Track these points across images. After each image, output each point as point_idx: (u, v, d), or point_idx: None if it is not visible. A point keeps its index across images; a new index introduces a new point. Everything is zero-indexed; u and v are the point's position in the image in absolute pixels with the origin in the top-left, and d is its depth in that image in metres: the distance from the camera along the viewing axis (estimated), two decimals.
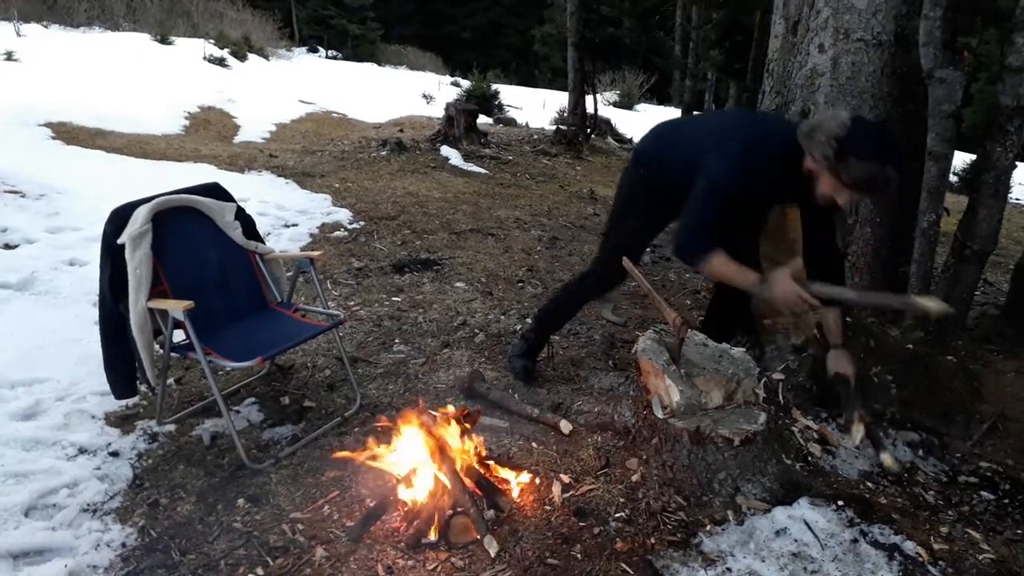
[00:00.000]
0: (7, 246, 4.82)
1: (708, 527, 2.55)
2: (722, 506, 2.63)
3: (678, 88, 22.97)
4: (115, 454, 2.96)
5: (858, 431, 2.81)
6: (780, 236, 3.08)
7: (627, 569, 2.35)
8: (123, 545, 2.47)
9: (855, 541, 2.49)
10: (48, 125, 8.74)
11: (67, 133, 8.65)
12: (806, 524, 2.54)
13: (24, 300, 4.18)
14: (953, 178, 11.36)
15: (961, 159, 11.93)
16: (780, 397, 3.20)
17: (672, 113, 18.79)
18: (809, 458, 2.95)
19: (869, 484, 2.86)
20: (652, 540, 2.49)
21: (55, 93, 9.95)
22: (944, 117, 3.30)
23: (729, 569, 2.36)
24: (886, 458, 2.82)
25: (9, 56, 11.59)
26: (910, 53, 3.43)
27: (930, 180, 3.36)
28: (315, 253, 3.51)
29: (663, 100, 28.23)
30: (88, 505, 2.64)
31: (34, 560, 2.33)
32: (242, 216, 3.43)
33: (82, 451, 2.95)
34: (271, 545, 2.49)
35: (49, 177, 6.22)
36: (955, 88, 3.29)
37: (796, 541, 2.48)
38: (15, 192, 5.73)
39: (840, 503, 2.65)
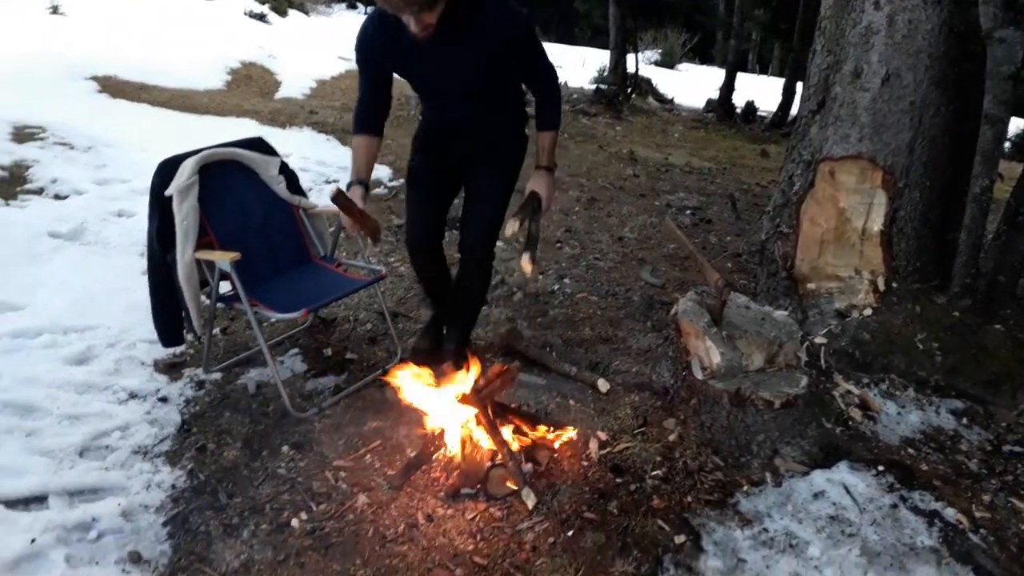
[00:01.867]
0: (57, 196, 4.92)
1: (745, 488, 2.55)
2: (760, 468, 2.64)
3: (721, 48, 22.44)
4: (164, 400, 3.05)
5: (514, 225, 2.65)
6: None
7: (663, 526, 2.38)
8: (173, 487, 2.56)
9: (894, 506, 2.48)
10: (95, 79, 8.84)
11: (113, 87, 8.75)
12: (845, 488, 2.53)
13: (75, 249, 4.28)
14: (1008, 144, 11.00)
15: (1016, 125, 11.53)
16: (822, 361, 3.17)
17: (715, 73, 18.38)
18: (850, 423, 2.93)
19: (911, 451, 2.84)
20: (689, 499, 2.50)
21: (100, 47, 10.03)
22: (1002, 79, 3.18)
23: (766, 529, 2.37)
24: (524, 260, 2.64)
25: (55, 10, 11.68)
26: (969, 11, 3.30)
27: (985, 144, 3.25)
28: None
29: (706, 60, 27.61)
30: (139, 448, 2.73)
31: (89, 498, 2.42)
32: (286, 171, 3.46)
33: (132, 396, 3.04)
34: (315, 491, 2.55)
35: (96, 130, 6.32)
36: (1015, 49, 3.16)
37: (834, 504, 2.47)
38: (64, 144, 5.84)
39: (880, 468, 2.64)
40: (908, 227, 3.41)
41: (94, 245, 4.39)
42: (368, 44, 2.70)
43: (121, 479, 2.53)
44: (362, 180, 2.77)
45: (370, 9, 2.79)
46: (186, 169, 3.02)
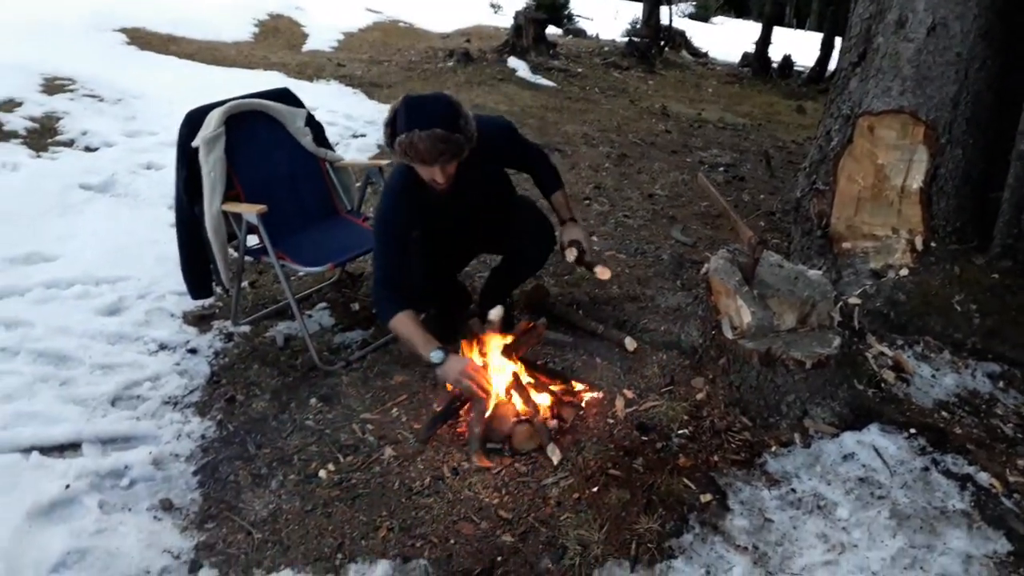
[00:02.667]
0: (88, 148, 4.95)
1: (773, 448, 2.53)
2: (789, 428, 2.60)
3: (758, 1, 21.80)
4: (193, 351, 3.08)
5: (571, 254, 2.85)
6: None
7: (689, 484, 2.36)
8: (202, 437, 2.60)
9: (926, 469, 2.44)
10: (123, 30, 8.84)
11: (141, 38, 8.75)
12: (875, 450, 2.50)
13: (106, 201, 4.31)
14: None
15: None
16: (855, 322, 3.10)
17: (751, 27, 17.90)
18: (882, 385, 2.87)
19: (944, 414, 2.78)
20: (715, 458, 2.49)
21: None
22: None
23: (793, 490, 2.35)
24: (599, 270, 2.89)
25: None
26: None
27: None
28: (383, 162, 3.50)
29: (742, 13, 26.89)
30: (169, 398, 2.77)
31: (121, 446, 2.47)
32: (312, 123, 3.42)
33: (162, 347, 3.08)
34: (342, 443, 2.58)
35: (125, 82, 6.33)
36: None
37: (864, 466, 2.44)
38: (94, 96, 5.86)
39: (912, 431, 2.59)
40: (949, 185, 3.30)
41: (124, 197, 4.42)
42: (388, 221, 2.63)
43: (152, 428, 2.57)
44: (443, 348, 2.55)
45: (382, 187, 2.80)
46: (213, 120, 3.00)
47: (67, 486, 2.18)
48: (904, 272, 3.23)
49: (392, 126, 2.39)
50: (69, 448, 2.41)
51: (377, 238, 2.67)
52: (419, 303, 2.73)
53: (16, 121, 4.99)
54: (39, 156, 4.63)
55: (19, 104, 5.28)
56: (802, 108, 9.80)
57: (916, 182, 3.23)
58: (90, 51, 7.45)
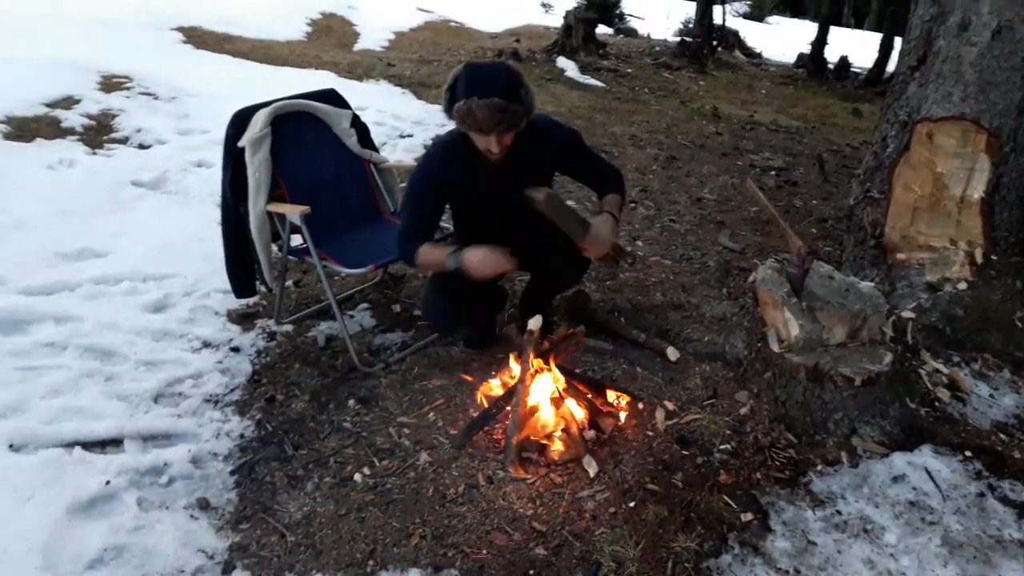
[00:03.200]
0: (141, 146, 5.06)
1: (819, 467, 2.44)
2: (836, 447, 2.51)
3: (814, 0, 21.32)
4: (236, 349, 3.11)
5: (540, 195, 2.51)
6: None
7: (729, 502, 2.30)
8: (241, 436, 2.62)
9: (981, 495, 2.33)
10: (180, 29, 9.04)
11: (197, 37, 8.93)
12: (927, 473, 2.40)
13: (156, 198, 4.40)
14: None
15: None
16: (909, 337, 2.99)
17: (807, 27, 17.50)
18: (936, 403, 2.76)
19: (1002, 436, 2.66)
20: (758, 475, 2.41)
21: None
22: None
23: (839, 512, 2.26)
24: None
25: None
26: None
27: None
28: None
29: (798, 12, 26.34)
30: (210, 396, 2.80)
31: (161, 443, 2.50)
32: (357, 124, 3.43)
33: (206, 345, 3.12)
34: (378, 447, 2.57)
35: (180, 80, 6.46)
36: None
37: (915, 490, 2.34)
38: (149, 94, 5.98)
39: (967, 454, 2.48)
40: (1012, 195, 3.15)
41: (174, 194, 4.50)
42: (433, 173, 2.67)
43: (192, 426, 2.60)
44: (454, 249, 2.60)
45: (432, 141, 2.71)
46: (259, 120, 3.02)
47: (107, 482, 2.21)
48: (962, 285, 3.10)
49: (452, 91, 2.40)
50: (111, 444, 2.45)
51: (412, 187, 2.69)
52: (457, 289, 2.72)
53: (74, 118, 5.12)
54: (94, 153, 4.75)
55: (77, 101, 5.42)
56: (858, 111, 9.55)
57: (977, 192, 3.10)
58: (147, 49, 7.63)
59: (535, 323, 2.50)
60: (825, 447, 2.51)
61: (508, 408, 2.53)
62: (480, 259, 2.52)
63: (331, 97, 3.40)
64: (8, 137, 4.60)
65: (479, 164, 2.57)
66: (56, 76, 5.77)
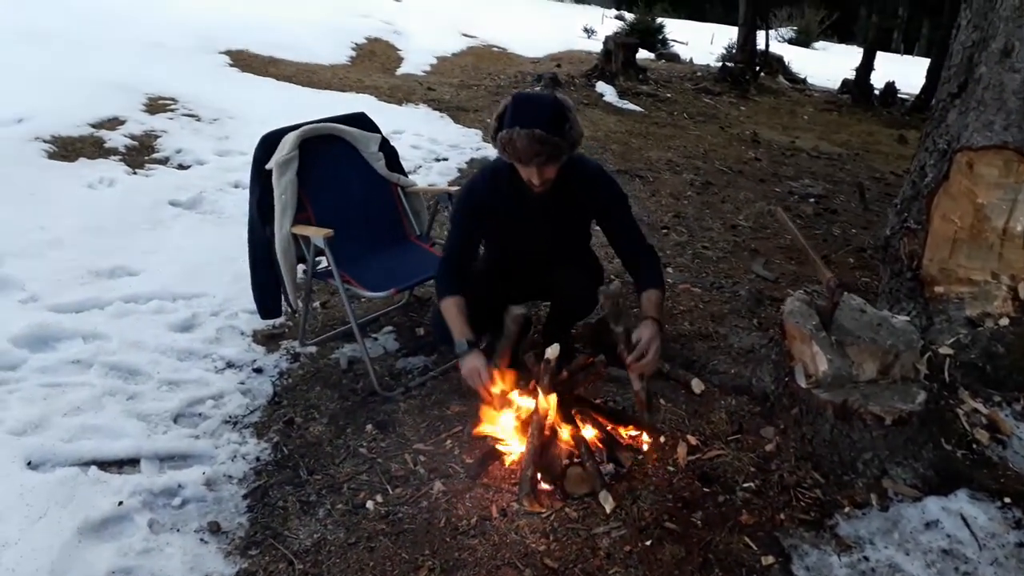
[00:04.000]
0: (180, 166, 5.16)
1: (847, 509, 2.34)
2: (865, 488, 2.41)
3: (863, 25, 21.03)
4: (259, 370, 3.12)
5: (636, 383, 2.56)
6: None
7: (750, 544, 2.21)
8: (257, 459, 2.61)
9: (1021, 545, 2.20)
10: (227, 52, 9.24)
11: (243, 61, 9.12)
12: (963, 519, 2.28)
13: (191, 218, 4.47)
14: None
15: None
16: (946, 374, 2.86)
17: (855, 53, 17.25)
18: (974, 446, 2.63)
19: None
20: (782, 516, 2.32)
21: (236, 22, 10.47)
22: None
23: (866, 558, 2.16)
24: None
25: None
26: None
27: None
28: (452, 188, 3.48)
29: (845, 38, 26.01)
30: (230, 417, 2.80)
31: (177, 464, 2.50)
32: (386, 147, 3.44)
33: (230, 365, 3.13)
34: (392, 474, 2.54)
35: (223, 102, 6.60)
36: None
37: (949, 537, 2.23)
38: (192, 116, 6.12)
39: (1007, 500, 2.35)
40: None
41: (209, 214, 4.57)
42: (476, 199, 2.72)
43: (209, 448, 2.59)
44: (472, 341, 2.59)
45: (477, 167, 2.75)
46: (287, 144, 3.05)
47: (120, 503, 2.21)
48: (1004, 322, 2.96)
49: (499, 121, 2.43)
50: (128, 464, 2.45)
51: (455, 210, 2.78)
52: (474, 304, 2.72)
53: (117, 138, 5.25)
54: (135, 173, 4.85)
55: (122, 122, 5.56)
56: (904, 138, 9.34)
57: (1020, 224, 2.97)
58: (194, 72, 7.81)
59: (552, 352, 2.45)
60: (854, 488, 2.41)
61: (524, 439, 2.48)
62: (470, 369, 2.54)
63: (360, 120, 3.43)
64: (52, 156, 4.72)
65: (522, 193, 2.59)
66: (104, 97, 5.94)
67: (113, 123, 5.51)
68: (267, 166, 3.02)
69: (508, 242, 2.86)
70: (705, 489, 2.43)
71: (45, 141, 4.86)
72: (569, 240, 2.87)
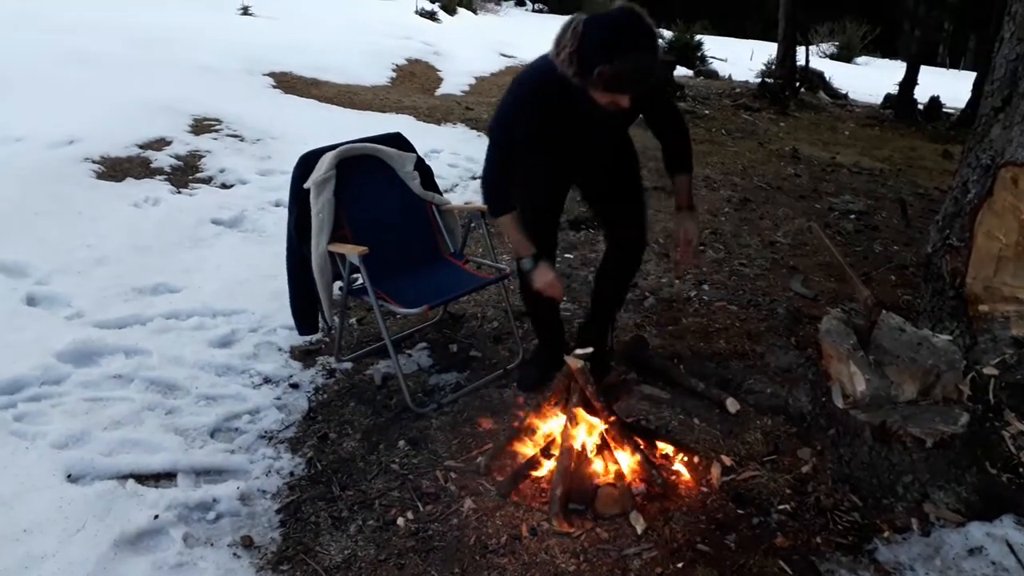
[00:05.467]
0: (223, 185, 5.27)
1: (886, 534, 2.28)
2: (905, 512, 2.34)
3: (906, 40, 20.68)
4: (295, 386, 3.16)
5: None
6: None
7: (785, 568, 2.16)
8: (291, 474, 2.63)
9: None
10: (271, 75, 9.43)
11: (287, 83, 9.30)
12: (1008, 546, 2.20)
13: (233, 236, 4.56)
14: None
15: None
16: (991, 396, 2.78)
17: (898, 68, 17.01)
18: (1021, 469, 2.54)
19: None
20: (818, 540, 2.27)
21: (281, 44, 10.69)
22: None
23: None
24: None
25: (245, 11, 12.64)
26: None
27: None
28: (487, 207, 3.49)
29: (888, 53, 25.59)
30: (265, 432, 2.84)
31: (213, 479, 2.54)
32: (421, 166, 3.48)
33: (266, 381, 3.18)
34: (423, 491, 2.54)
35: (266, 123, 6.73)
36: None
37: (994, 564, 2.15)
38: (236, 136, 6.25)
39: None
40: None
41: (251, 233, 4.65)
42: (521, 121, 2.60)
43: (244, 462, 2.63)
44: (537, 254, 2.66)
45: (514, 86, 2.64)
46: (325, 163, 3.10)
47: (156, 516, 2.25)
48: None
49: (580, 51, 2.23)
50: (165, 477, 2.50)
51: (503, 115, 2.63)
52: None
53: (163, 159, 5.39)
54: (179, 192, 4.97)
55: (168, 143, 5.70)
56: (948, 153, 9.13)
57: None
58: (239, 94, 7.99)
59: (576, 362, 2.42)
60: (893, 512, 2.35)
61: (555, 456, 2.48)
62: (546, 283, 2.62)
63: (396, 140, 3.47)
64: (101, 176, 4.86)
65: (575, 99, 2.42)
66: (152, 119, 6.09)
67: (160, 144, 5.65)
68: (305, 185, 3.07)
69: (563, 149, 2.74)
70: (739, 511, 2.39)
71: (94, 162, 5.00)
72: (620, 135, 2.88)
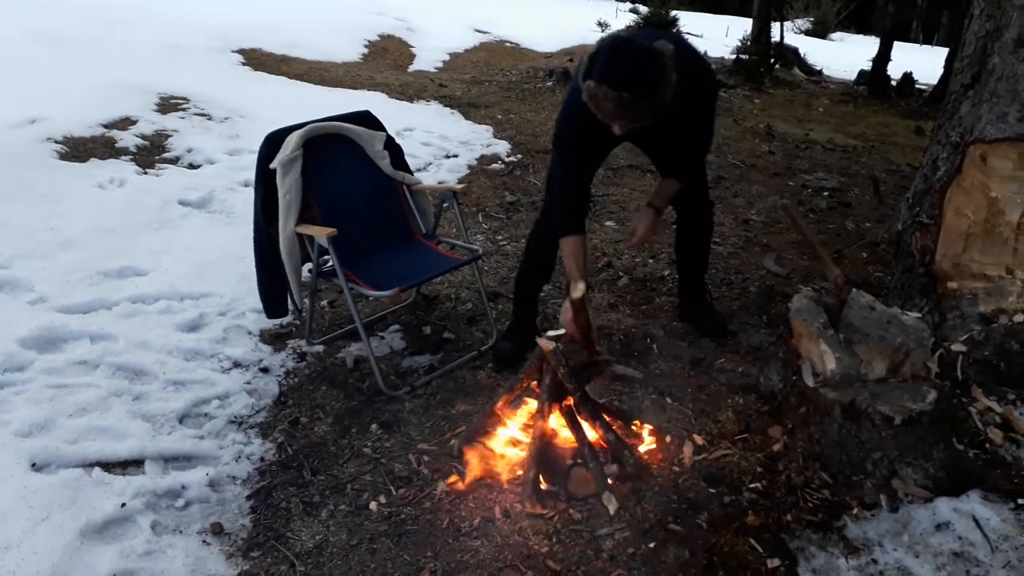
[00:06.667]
0: (191, 165, 5.17)
1: (855, 510, 2.30)
2: (874, 489, 2.36)
3: (881, 15, 20.73)
4: (265, 370, 3.12)
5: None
6: None
7: (756, 546, 2.18)
8: (261, 459, 2.61)
9: None
10: (240, 51, 9.24)
11: (256, 59, 9.12)
12: (975, 521, 2.23)
13: (201, 217, 4.48)
14: None
15: None
16: (959, 372, 2.81)
17: (873, 43, 17.05)
18: (987, 445, 2.57)
19: None
20: (788, 517, 2.29)
21: (249, 21, 10.47)
22: None
23: (875, 560, 2.12)
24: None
25: None
26: None
27: None
28: (459, 187, 3.48)
29: (863, 28, 25.66)
30: (235, 417, 2.80)
31: (181, 465, 2.50)
32: (391, 145, 3.43)
33: (236, 365, 3.13)
34: (396, 474, 2.53)
35: (235, 101, 6.60)
36: None
37: (960, 539, 2.18)
38: (203, 115, 6.12)
39: (1020, 502, 2.30)
40: None
41: (219, 214, 4.57)
42: (580, 129, 2.54)
43: (214, 448, 2.60)
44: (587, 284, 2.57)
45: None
46: (291, 143, 3.04)
47: (123, 504, 2.21)
48: (1019, 318, 2.90)
49: (591, 61, 2.24)
50: (132, 464, 2.46)
51: (565, 130, 2.66)
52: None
53: (128, 138, 5.27)
54: (145, 172, 4.86)
55: (134, 122, 5.57)
56: (921, 129, 9.19)
57: None
58: (206, 71, 7.82)
59: (547, 343, 2.40)
60: (862, 489, 2.37)
61: (527, 438, 2.47)
62: (564, 321, 2.56)
63: (365, 119, 3.41)
64: (64, 157, 4.74)
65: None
66: (116, 97, 5.95)
67: (125, 123, 5.53)
68: (271, 165, 3.02)
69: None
70: (711, 490, 2.40)
71: (57, 142, 4.87)
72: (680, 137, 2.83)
